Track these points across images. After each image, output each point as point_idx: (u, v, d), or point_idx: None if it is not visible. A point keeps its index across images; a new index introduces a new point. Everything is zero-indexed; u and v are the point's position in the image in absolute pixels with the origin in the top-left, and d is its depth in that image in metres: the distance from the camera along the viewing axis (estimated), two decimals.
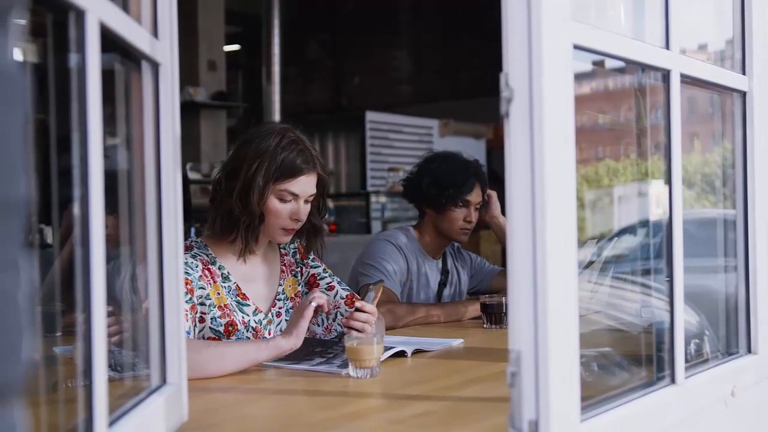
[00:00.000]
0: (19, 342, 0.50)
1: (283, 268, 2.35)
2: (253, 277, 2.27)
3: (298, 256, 2.39)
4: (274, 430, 1.52)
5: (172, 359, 1.35)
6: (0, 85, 0.52)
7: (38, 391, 1.03)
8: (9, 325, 0.49)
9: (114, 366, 1.26)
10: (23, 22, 0.58)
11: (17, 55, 0.55)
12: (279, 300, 2.30)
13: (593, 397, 1.32)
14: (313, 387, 1.79)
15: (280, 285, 2.32)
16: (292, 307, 2.31)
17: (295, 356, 1.99)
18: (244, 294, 2.22)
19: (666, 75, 1.49)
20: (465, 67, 9.32)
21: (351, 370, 1.85)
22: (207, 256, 2.19)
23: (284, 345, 1.93)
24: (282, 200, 2.16)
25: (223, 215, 2.17)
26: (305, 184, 2.18)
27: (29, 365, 0.51)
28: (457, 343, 2.33)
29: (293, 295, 2.34)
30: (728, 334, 1.83)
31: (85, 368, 0.97)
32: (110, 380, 1.03)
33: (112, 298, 1.07)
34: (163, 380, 1.34)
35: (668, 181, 1.50)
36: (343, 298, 2.33)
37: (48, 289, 1.74)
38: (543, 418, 1.14)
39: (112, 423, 1.06)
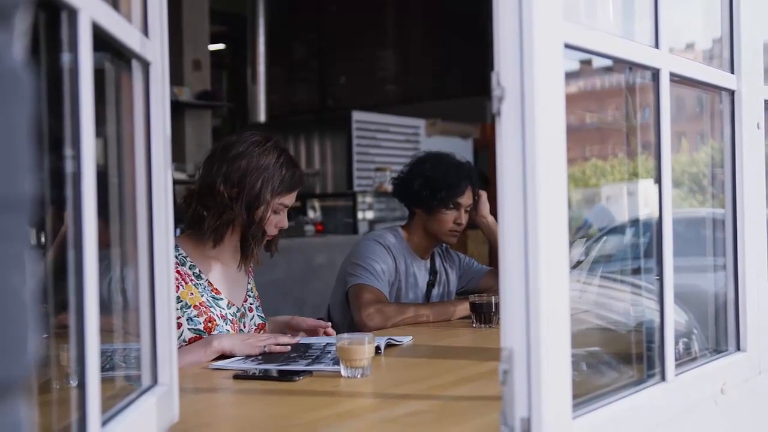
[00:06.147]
0: (25, 340, 0.50)
1: (250, 269, 2.44)
2: (224, 274, 2.33)
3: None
4: (266, 430, 1.51)
5: (163, 360, 1.35)
6: (6, 85, 0.52)
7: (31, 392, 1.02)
8: (16, 323, 0.49)
9: (103, 366, 1.25)
10: (27, 21, 0.57)
11: (21, 53, 0.55)
12: (249, 296, 2.40)
13: (584, 394, 1.32)
14: (304, 387, 1.78)
15: (249, 283, 2.42)
16: (258, 305, 2.42)
17: (281, 361, 1.99)
18: (217, 289, 2.28)
19: (656, 74, 1.49)
20: (452, 67, 9.34)
21: (342, 369, 1.84)
22: (176, 257, 2.21)
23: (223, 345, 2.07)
24: (275, 212, 2.26)
25: (226, 223, 2.22)
26: (294, 197, 2.31)
27: (34, 363, 0.51)
28: (407, 340, 2.33)
29: (257, 295, 2.45)
30: (717, 332, 1.84)
31: (78, 369, 0.97)
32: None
33: (101, 299, 1.06)
34: (155, 380, 1.34)
35: (658, 180, 1.50)
36: (256, 326, 2.41)
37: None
38: (535, 415, 1.14)
39: (104, 423, 1.05)
